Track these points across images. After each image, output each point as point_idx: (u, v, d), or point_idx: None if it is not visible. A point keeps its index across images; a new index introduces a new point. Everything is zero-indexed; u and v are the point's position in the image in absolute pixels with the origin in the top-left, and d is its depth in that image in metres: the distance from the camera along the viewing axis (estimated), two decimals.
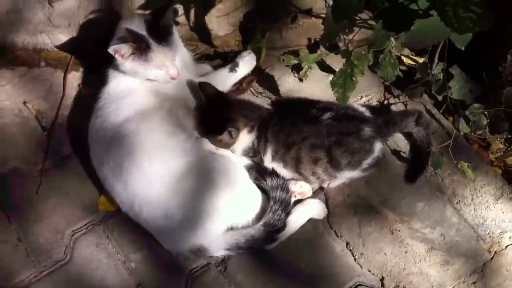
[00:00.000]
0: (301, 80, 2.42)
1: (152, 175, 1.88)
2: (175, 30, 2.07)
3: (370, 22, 2.23)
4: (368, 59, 2.04)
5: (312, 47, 2.51)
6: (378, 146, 2.03)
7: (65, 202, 2.07)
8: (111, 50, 1.92)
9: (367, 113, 2.08)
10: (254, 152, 2.02)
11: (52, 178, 2.11)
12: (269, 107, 2.13)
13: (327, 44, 2.40)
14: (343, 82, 2.00)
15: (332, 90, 2.02)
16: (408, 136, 2.24)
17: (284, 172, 2.02)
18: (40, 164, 2.13)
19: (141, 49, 1.94)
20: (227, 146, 1.98)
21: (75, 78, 2.37)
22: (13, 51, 2.36)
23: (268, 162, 2.02)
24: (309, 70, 2.34)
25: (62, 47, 2.38)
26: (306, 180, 2.04)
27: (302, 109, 2.05)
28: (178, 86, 2.09)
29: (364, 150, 2.00)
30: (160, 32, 1.97)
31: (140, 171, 1.89)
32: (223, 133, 1.91)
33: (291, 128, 1.97)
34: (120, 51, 1.93)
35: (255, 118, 1.99)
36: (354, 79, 1.99)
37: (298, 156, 1.97)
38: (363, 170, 2.06)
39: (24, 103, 2.29)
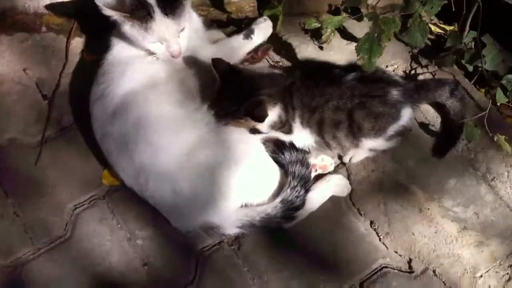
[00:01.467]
0: (321, 48, 2.30)
1: (160, 147, 1.78)
2: (188, 1, 1.91)
3: None
4: (395, 23, 1.87)
5: (333, 14, 2.36)
6: (406, 113, 1.89)
7: (67, 175, 1.98)
8: (100, 7, 1.77)
9: (396, 77, 1.95)
10: (282, 123, 1.88)
11: (52, 150, 2.04)
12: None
13: (349, 10, 2.29)
14: (369, 47, 1.85)
15: (357, 56, 1.86)
16: (439, 107, 2.10)
17: (310, 139, 1.92)
18: (40, 135, 2.05)
19: (139, 17, 1.79)
20: (249, 127, 1.87)
21: (78, 44, 2.29)
22: (13, 16, 2.27)
23: (299, 129, 1.90)
24: (332, 34, 2.19)
25: (65, 10, 2.28)
26: (328, 145, 1.92)
27: (325, 70, 1.94)
28: (197, 53, 1.99)
29: (390, 115, 1.86)
30: (169, 1, 1.81)
31: (147, 143, 1.78)
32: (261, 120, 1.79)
33: (314, 90, 1.85)
34: (108, 15, 1.81)
35: (278, 93, 1.84)
36: (381, 44, 1.84)
37: (321, 119, 1.85)
38: (387, 139, 1.92)
39: (24, 70, 2.20)
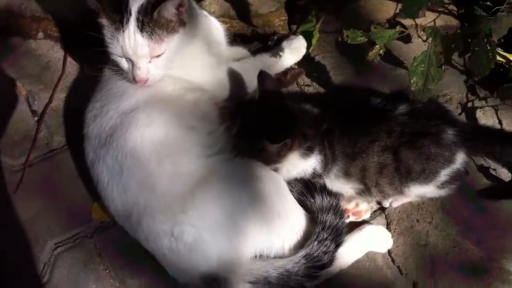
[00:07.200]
0: (359, 72, 2.06)
1: (159, 179, 1.55)
2: (201, 24, 1.70)
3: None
4: (458, 43, 1.64)
5: None
6: (460, 157, 1.64)
7: (50, 206, 1.79)
8: None
9: (453, 113, 1.72)
10: (313, 175, 1.68)
11: (37, 175, 1.85)
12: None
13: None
14: (426, 70, 1.63)
15: (410, 80, 1.65)
16: None
17: (345, 188, 1.69)
18: (24, 157, 1.87)
19: (111, 18, 1.52)
20: (268, 161, 1.64)
21: (79, 55, 2.11)
22: (7, 18, 2.11)
23: (332, 180, 1.68)
24: (381, 51, 1.90)
25: (66, 15, 2.10)
26: (368, 192, 1.68)
27: (366, 101, 1.70)
28: (209, 73, 1.77)
29: (443, 157, 1.61)
30: (154, 19, 1.51)
31: (145, 172, 1.55)
32: (278, 144, 1.54)
33: (357, 133, 1.63)
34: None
35: (314, 138, 1.64)
36: (441, 66, 1.62)
37: (365, 165, 1.63)
38: (440, 186, 1.65)
39: (13, 81, 2.03)
